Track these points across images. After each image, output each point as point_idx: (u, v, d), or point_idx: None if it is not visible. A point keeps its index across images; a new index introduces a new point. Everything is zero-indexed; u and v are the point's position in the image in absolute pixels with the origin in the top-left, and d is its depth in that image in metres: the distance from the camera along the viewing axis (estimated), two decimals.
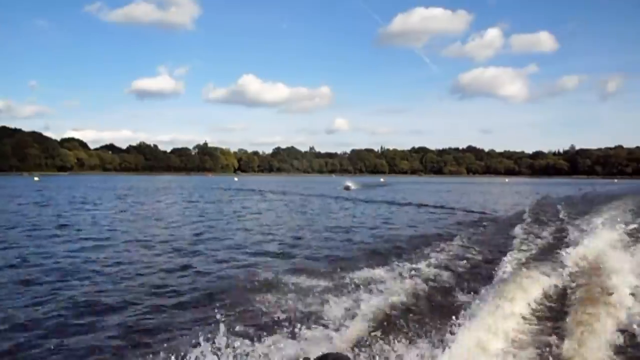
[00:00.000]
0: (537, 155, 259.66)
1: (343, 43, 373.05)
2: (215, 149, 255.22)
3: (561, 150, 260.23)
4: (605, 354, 6.43)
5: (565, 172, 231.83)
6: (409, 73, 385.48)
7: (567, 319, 7.55)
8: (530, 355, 6.21)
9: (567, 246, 12.81)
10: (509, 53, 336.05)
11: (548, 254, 12.81)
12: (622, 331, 7.21)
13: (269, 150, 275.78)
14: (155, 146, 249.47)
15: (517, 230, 18.02)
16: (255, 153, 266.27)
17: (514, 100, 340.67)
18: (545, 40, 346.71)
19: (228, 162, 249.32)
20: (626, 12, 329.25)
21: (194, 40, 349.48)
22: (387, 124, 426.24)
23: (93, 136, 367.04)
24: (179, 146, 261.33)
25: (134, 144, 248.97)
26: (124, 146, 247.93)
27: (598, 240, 13.27)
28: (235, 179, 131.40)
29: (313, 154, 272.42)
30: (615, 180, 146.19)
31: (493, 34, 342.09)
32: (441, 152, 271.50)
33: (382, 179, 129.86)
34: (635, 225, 17.93)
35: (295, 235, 19.07)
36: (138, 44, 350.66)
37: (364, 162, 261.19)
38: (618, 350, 6.63)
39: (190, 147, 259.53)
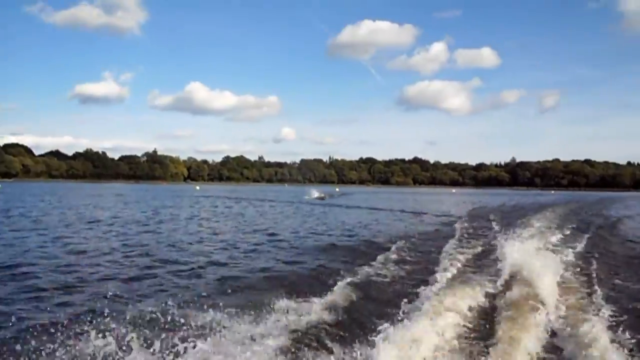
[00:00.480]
0: (480, 167, 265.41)
1: (292, 53, 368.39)
2: (165, 157, 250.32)
3: (503, 163, 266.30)
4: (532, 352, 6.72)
5: (506, 183, 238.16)
6: (357, 84, 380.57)
7: (496, 327, 7.74)
8: None
9: (499, 255, 13.27)
10: (453, 67, 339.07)
11: (480, 263, 13.35)
12: (548, 336, 7.54)
13: (216, 158, 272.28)
14: (104, 153, 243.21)
15: (451, 240, 18.24)
16: (205, 162, 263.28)
17: (458, 112, 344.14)
18: (488, 56, 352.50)
19: (178, 171, 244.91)
20: (562, 32, 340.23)
21: (140, 45, 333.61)
22: (334, 134, 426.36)
23: (33, 141, 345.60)
24: (125, 153, 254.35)
25: (77, 150, 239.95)
26: (67, 152, 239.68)
27: (527, 248, 13.63)
28: (197, 187, 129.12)
29: (262, 163, 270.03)
30: (552, 192, 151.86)
31: (438, 48, 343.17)
32: (388, 163, 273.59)
33: (337, 189, 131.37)
34: (561, 235, 19.38)
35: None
36: (82, 48, 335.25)
37: (314, 172, 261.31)
38: (542, 355, 6.89)
39: (136, 154, 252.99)
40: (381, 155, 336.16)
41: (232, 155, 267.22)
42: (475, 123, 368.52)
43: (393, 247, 15.86)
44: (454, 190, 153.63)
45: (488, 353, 6.60)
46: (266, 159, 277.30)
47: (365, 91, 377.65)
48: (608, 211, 43.11)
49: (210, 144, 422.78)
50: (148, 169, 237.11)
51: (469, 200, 66.74)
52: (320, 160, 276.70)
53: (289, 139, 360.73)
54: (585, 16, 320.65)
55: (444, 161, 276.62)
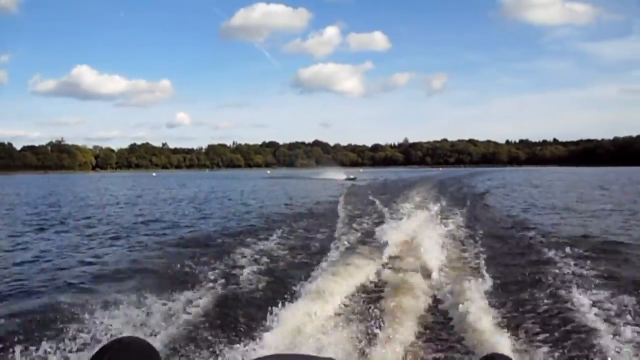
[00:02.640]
0: (377, 148, 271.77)
1: (185, 36, 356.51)
2: (72, 145, 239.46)
3: (397, 143, 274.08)
4: (417, 329, 6.55)
5: (401, 162, 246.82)
6: (251, 67, 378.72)
7: (384, 297, 7.70)
8: (349, 335, 6.10)
9: (385, 229, 13.09)
10: (346, 50, 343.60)
11: (367, 238, 13.15)
12: (432, 305, 7.58)
13: (107, 145, 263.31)
14: (10, 144, 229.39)
15: (339, 217, 18.13)
16: (111, 150, 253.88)
17: (351, 95, 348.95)
18: (379, 40, 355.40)
19: (86, 160, 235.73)
20: (448, 18, 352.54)
21: (19, 26, 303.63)
22: (229, 118, 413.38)
23: None
24: (26, 144, 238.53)
25: None
26: None
27: (412, 221, 13.92)
28: (154, 174, 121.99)
29: (169, 150, 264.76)
30: (440, 169, 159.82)
31: (331, 32, 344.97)
32: (292, 146, 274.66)
33: (268, 171, 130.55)
34: (442, 207, 19.63)
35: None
36: None
37: (221, 157, 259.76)
38: (428, 323, 6.84)
39: (15, 143, 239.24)
40: (276, 137, 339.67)
41: (123, 142, 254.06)
42: (368, 105, 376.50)
43: (277, 231, 15.04)
44: (361, 170, 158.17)
45: (376, 322, 6.48)
46: (174, 146, 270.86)
47: (260, 74, 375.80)
48: (482, 184, 45.68)
49: (100, 131, 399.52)
50: (56, 158, 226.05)
51: (370, 177, 67.92)
52: (224, 145, 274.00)
53: (184, 124, 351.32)
54: (470, 3, 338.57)
55: (343, 143, 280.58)
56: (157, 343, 5.74)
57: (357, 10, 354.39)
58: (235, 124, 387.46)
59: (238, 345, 5.82)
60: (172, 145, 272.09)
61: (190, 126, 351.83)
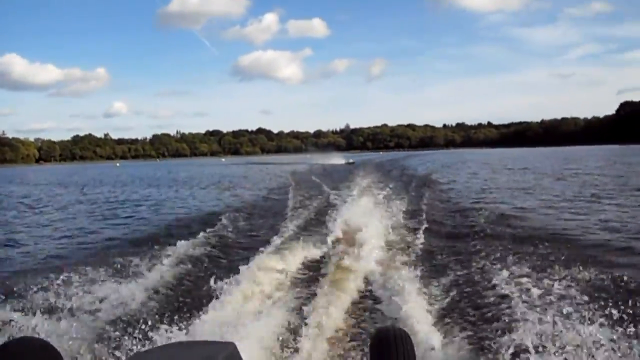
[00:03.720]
0: (319, 134, 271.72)
1: (120, 23, 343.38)
2: (13, 138, 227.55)
3: (338, 129, 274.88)
4: (349, 313, 6.68)
5: (343, 148, 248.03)
6: (190, 55, 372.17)
7: (323, 282, 7.74)
8: (282, 319, 6.15)
9: (331, 214, 13.35)
10: (285, 37, 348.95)
11: (311, 223, 13.32)
12: (366, 289, 7.70)
13: (40, 137, 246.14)
14: None
15: (286, 203, 18.12)
16: (54, 142, 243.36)
17: (291, 82, 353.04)
18: (318, 26, 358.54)
19: (29, 152, 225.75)
20: (386, 4, 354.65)
21: None
22: (169, 107, 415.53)
23: None
24: None
25: None
26: None
27: (356, 207, 14.00)
28: (117, 164, 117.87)
29: (113, 140, 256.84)
30: (381, 153, 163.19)
31: (270, 18, 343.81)
32: (236, 134, 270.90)
33: (223, 159, 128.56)
34: (385, 192, 19.60)
35: None
36: None
37: (166, 147, 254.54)
38: (362, 305, 7.05)
39: None
40: (218, 126, 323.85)
41: (60, 133, 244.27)
42: (309, 91, 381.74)
43: (226, 215, 15.09)
44: (309, 156, 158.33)
45: (311, 302, 6.66)
46: (119, 137, 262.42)
47: (199, 62, 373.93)
48: (422, 166, 47.01)
49: (32, 123, 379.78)
50: None
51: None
52: (167, 135, 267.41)
53: (122, 113, 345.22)
54: None
55: (286, 130, 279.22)
56: (82, 330, 5.75)
57: None
58: (175, 112, 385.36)
59: (171, 329, 5.76)
60: (112, 136, 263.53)
61: (128, 115, 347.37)
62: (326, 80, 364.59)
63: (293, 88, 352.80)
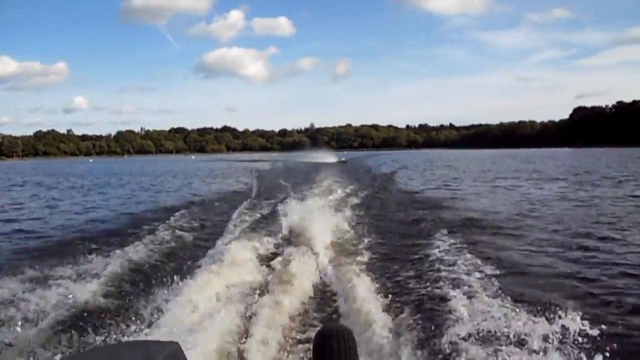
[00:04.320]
0: (285, 133, 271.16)
1: (82, 16, 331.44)
2: None
3: (303, 128, 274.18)
4: (298, 309, 6.73)
5: (308, 147, 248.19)
6: (154, 51, 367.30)
7: (272, 282, 7.65)
8: (233, 317, 6.09)
9: (284, 215, 13.17)
10: (251, 35, 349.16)
11: (267, 221, 13.26)
12: (316, 286, 7.74)
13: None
14: None
15: (242, 203, 17.67)
16: (16, 137, 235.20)
17: (257, 79, 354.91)
18: (284, 25, 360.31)
19: None
20: (351, 4, 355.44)
21: None
22: (132, 103, 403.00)
23: None
24: None
25: None
26: None
27: (310, 205, 14.07)
28: (91, 159, 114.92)
29: (77, 137, 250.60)
30: (345, 152, 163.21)
31: (236, 15, 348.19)
32: (201, 132, 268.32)
33: (193, 156, 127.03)
34: (342, 191, 20.00)
35: None
36: None
37: (131, 144, 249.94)
38: (312, 303, 7.10)
39: None
40: (183, 123, 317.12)
41: (18, 128, 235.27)
42: (274, 90, 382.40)
43: (177, 214, 15.09)
44: (275, 154, 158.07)
45: (259, 302, 6.60)
46: (83, 133, 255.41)
47: (163, 58, 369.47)
48: (384, 166, 47.66)
49: None
50: None
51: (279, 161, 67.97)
52: (133, 131, 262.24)
53: (82, 108, 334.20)
54: None
55: (251, 128, 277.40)
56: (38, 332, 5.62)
57: None
58: (139, 108, 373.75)
59: (116, 330, 5.74)
60: (74, 132, 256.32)
61: (89, 111, 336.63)
62: (291, 79, 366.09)
63: (258, 86, 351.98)
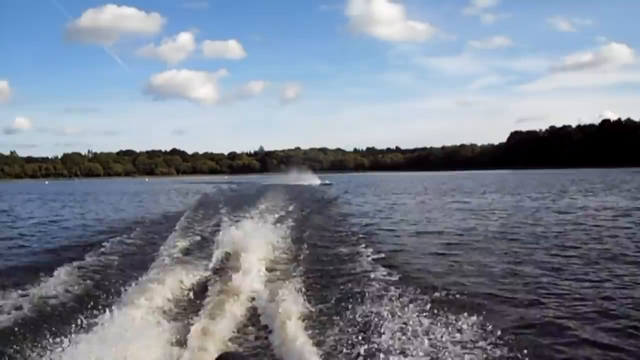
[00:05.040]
0: (234, 156, 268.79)
1: (26, 34, 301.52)
2: None
3: (253, 151, 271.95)
4: (231, 328, 6.76)
5: (257, 170, 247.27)
6: (100, 71, 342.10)
7: (205, 302, 7.67)
8: (167, 339, 6.06)
9: (219, 236, 13.15)
10: (200, 57, 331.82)
11: (200, 245, 13.23)
12: (249, 306, 7.77)
13: None
14: None
15: (179, 224, 17.44)
16: None
17: (206, 102, 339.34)
18: (233, 48, 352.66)
19: None
20: (300, 29, 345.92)
21: None
22: (77, 125, 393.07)
23: None
24: None
25: None
26: None
27: (245, 229, 13.56)
28: (46, 182, 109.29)
29: (21, 159, 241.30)
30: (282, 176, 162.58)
31: (185, 38, 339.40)
32: (150, 155, 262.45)
33: (146, 179, 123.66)
34: (281, 213, 20.00)
35: None
36: None
37: (79, 166, 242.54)
38: (244, 319, 7.19)
39: None
40: (130, 145, 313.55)
41: None
42: (224, 113, 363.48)
43: (112, 239, 14.67)
44: (226, 177, 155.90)
45: (193, 323, 6.52)
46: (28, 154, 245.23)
47: (110, 79, 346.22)
48: (323, 190, 48.56)
49: None
50: None
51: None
52: (78, 154, 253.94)
53: (24, 129, 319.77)
54: (318, 17, 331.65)
55: (200, 151, 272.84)
56: None
57: (211, 18, 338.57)
58: (84, 130, 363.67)
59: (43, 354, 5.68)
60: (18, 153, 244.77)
61: (32, 132, 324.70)
62: (241, 102, 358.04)
63: (208, 109, 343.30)
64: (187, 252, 12.23)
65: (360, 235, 14.55)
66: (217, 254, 11.09)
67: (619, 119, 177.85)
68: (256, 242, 11.60)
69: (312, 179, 72.35)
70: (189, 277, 9.32)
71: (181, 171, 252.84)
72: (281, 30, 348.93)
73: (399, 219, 20.37)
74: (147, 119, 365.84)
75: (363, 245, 12.56)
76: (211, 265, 10.37)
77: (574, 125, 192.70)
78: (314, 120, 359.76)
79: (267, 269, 10.07)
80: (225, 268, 9.92)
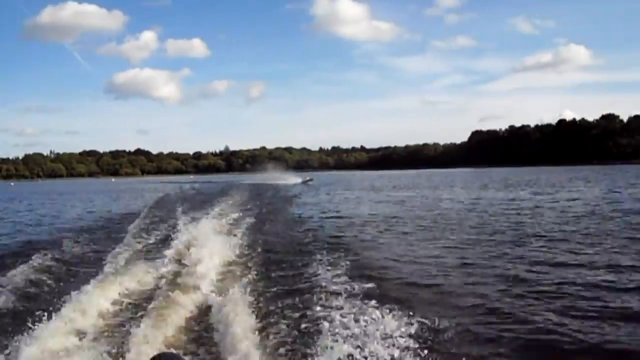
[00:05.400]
0: (200, 156, 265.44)
1: None
2: None
3: (218, 151, 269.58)
4: (181, 328, 6.74)
5: (223, 169, 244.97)
6: (61, 70, 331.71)
7: (155, 304, 7.43)
8: (107, 348, 5.92)
9: (174, 237, 13.07)
10: (164, 56, 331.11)
11: (154, 246, 13.04)
12: (198, 311, 7.62)
13: None
14: None
15: (133, 226, 17.26)
16: None
17: (170, 101, 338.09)
18: (198, 47, 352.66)
19: None
20: (265, 28, 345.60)
21: None
22: (36, 124, 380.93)
23: None
24: None
25: None
26: None
27: (200, 230, 13.55)
28: (12, 183, 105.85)
29: None
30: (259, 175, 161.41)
31: (148, 36, 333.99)
32: (114, 155, 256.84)
33: (113, 179, 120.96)
34: (237, 214, 19.71)
35: None
36: None
37: (41, 167, 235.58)
38: (192, 326, 7.04)
39: None
40: (92, 145, 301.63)
41: None
42: (188, 112, 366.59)
43: (66, 238, 14.70)
44: (191, 177, 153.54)
45: (137, 329, 6.31)
46: None
47: (71, 78, 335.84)
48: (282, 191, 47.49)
49: None
50: None
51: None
52: (41, 154, 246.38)
53: None
54: (284, 16, 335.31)
55: (165, 151, 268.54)
56: None
57: (175, 16, 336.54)
58: (44, 130, 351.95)
59: None
60: None
61: None
62: (206, 101, 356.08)
63: (171, 108, 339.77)
64: (137, 254, 11.97)
65: (317, 235, 14.73)
66: (169, 256, 10.92)
67: (574, 119, 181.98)
68: (211, 243, 11.47)
69: (292, 178, 70.07)
70: (137, 279, 9.12)
71: (146, 171, 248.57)
72: (246, 29, 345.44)
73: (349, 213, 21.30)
74: (110, 119, 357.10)
75: (319, 245, 12.57)
76: (161, 267, 10.10)
77: (533, 124, 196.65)
78: (279, 119, 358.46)
79: (218, 271, 9.83)
80: (176, 270, 9.70)
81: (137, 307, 7.82)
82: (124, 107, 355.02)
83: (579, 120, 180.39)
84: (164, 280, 9.11)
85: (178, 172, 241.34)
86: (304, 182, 60.08)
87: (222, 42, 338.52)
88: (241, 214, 20.14)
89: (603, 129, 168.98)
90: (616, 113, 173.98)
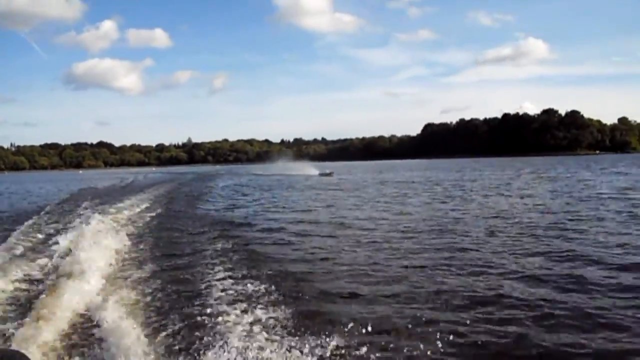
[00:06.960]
0: (162, 148, 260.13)
1: None
2: None
3: (181, 143, 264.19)
4: (59, 333, 5.94)
5: (185, 161, 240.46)
6: (16, 59, 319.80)
7: (35, 303, 6.80)
8: None
9: (62, 234, 12.04)
10: (125, 46, 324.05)
11: (42, 243, 11.90)
12: (84, 313, 6.73)
13: None
14: None
15: (30, 221, 15.74)
16: None
17: (131, 92, 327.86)
18: (160, 37, 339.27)
19: None
20: (228, 18, 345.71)
21: None
22: None
23: None
24: None
25: None
26: None
27: (94, 228, 12.26)
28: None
29: None
30: (218, 166, 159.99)
31: (108, 26, 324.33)
32: (77, 148, 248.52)
33: (80, 172, 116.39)
34: (142, 207, 18.93)
35: None
36: None
37: (3, 160, 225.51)
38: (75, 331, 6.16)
39: None
40: (52, 137, 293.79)
41: None
42: (149, 103, 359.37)
43: None
44: (154, 169, 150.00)
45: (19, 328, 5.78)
46: None
47: (28, 68, 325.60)
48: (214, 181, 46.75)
49: None
50: None
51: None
52: (2, 147, 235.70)
53: None
54: (247, 6, 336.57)
55: (128, 144, 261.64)
56: None
57: (136, 5, 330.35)
58: (1, 121, 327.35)
59: None
60: None
61: None
62: (168, 92, 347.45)
63: (133, 99, 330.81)
64: (22, 252, 10.68)
65: (222, 229, 13.67)
66: (56, 254, 9.96)
67: (517, 113, 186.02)
68: (104, 240, 10.60)
69: (307, 169, 61.45)
70: (18, 279, 8.33)
71: (109, 164, 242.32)
72: (209, 19, 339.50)
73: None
74: (69, 110, 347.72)
75: (222, 240, 11.58)
76: (46, 265, 9.29)
77: (493, 116, 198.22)
78: (242, 110, 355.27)
79: (107, 273, 8.82)
80: (60, 268, 8.67)
81: (14, 308, 6.99)
82: (83, 98, 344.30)
83: (522, 114, 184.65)
84: (45, 279, 8.37)
85: (141, 164, 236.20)
86: (323, 175, 49.70)
87: (185, 33, 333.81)
88: (147, 206, 19.42)
89: (542, 123, 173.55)
90: (555, 108, 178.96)
